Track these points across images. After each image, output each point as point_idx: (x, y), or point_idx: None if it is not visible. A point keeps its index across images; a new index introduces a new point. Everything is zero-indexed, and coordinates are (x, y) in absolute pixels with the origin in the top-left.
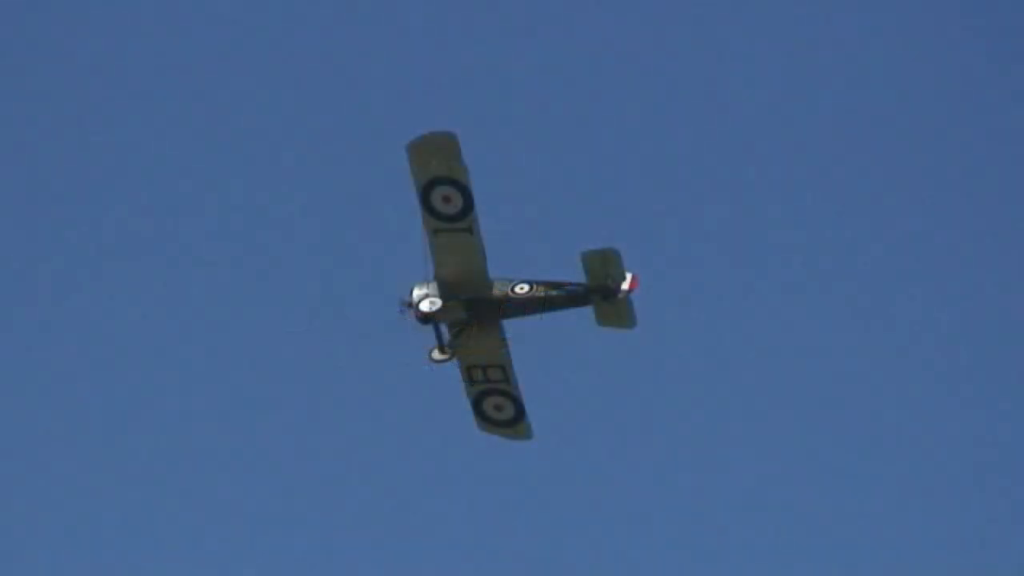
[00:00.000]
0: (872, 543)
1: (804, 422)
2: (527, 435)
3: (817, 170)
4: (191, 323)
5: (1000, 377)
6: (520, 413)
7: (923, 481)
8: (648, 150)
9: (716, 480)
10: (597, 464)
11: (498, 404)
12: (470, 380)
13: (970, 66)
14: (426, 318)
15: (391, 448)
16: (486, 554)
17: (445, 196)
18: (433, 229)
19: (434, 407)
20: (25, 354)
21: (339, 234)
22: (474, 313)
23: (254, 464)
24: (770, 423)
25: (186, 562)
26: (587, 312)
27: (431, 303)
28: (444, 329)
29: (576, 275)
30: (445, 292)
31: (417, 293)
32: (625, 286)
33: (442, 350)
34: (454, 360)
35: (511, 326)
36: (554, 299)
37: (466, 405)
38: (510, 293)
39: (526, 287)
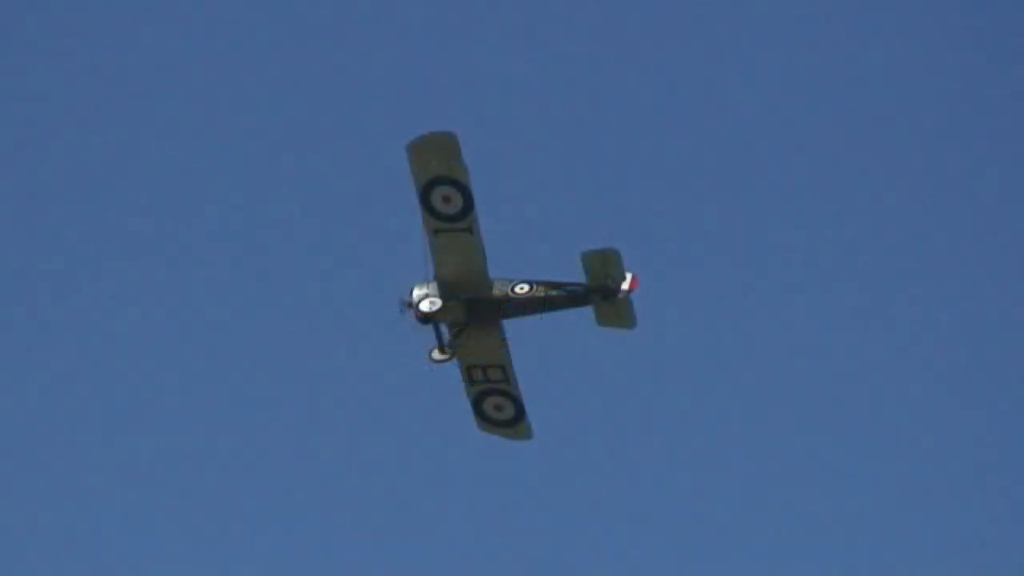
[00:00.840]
0: (872, 543)
1: (804, 422)
2: (527, 435)
3: (817, 170)
4: (191, 323)
5: (1000, 377)
6: (520, 413)
7: (923, 481)
8: (648, 150)
9: (716, 480)
10: (597, 464)
11: (498, 404)
12: (470, 380)
13: (970, 66)
14: (426, 318)
15: (391, 448)
16: (486, 554)
17: (445, 196)
18: (433, 229)
19: (434, 407)
20: (24, 354)
21: (339, 234)
22: (474, 313)
23: (254, 464)
24: (770, 423)
25: (186, 562)
26: (587, 312)
27: (431, 303)
28: (444, 329)
29: (576, 275)
30: (445, 292)
31: (417, 293)
32: (625, 286)
33: (442, 350)
34: (454, 360)
35: (511, 326)
36: (554, 299)
37: (466, 405)
38: (510, 293)
39: (526, 287)
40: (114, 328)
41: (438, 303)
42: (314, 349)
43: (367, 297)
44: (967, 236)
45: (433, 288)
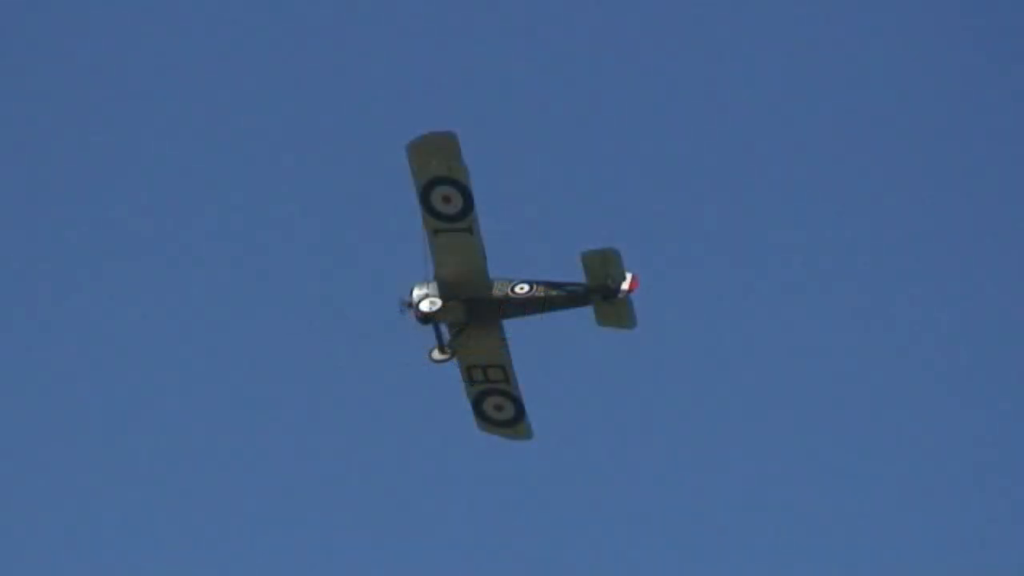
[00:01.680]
0: (872, 543)
1: (804, 422)
2: (527, 435)
3: (817, 170)
4: (190, 323)
5: (1000, 377)
6: (520, 413)
7: (923, 481)
8: (648, 150)
9: (716, 479)
10: (597, 464)
11: (498, 404)
12: (470, 380)
13: (970, 66)
14: (426, 318)
15: (391, 448)
16: (486, 554)
17: (445, 196)
18: (433, 229)
19: (434, 407)
20: (24, 354)
21: (339, 234)
22: (474, 313)
23: (254, 464)
24: (770, 423)
25: (185, 562)
26: (587, 312)
27: (431, 303)
28: (444, 329)
29: (576, 275)
30: (445, 292)
31: (417, 293)
32: (625, 286)
33: (442, 350)
34: (454, 360)
35: (511, 326)
36: (554, 299)
37: (466, 405)
38: (510, 293)
39: (526, 287)
40: (114, 327)
41: (438, 303)
42: (314, 349)
43: (367, 297)
44: (967, 236)
45: (433, 288)
